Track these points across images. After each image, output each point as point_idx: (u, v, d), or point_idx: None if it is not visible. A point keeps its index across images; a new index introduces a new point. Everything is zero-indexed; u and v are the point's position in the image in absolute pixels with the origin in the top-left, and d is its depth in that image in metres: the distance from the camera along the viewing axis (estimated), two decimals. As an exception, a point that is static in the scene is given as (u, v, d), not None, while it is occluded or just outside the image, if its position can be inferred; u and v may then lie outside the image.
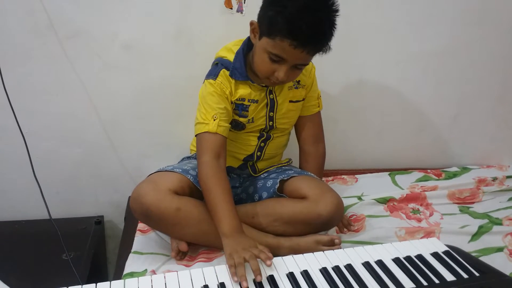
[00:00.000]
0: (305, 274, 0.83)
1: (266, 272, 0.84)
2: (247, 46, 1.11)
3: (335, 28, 0.99)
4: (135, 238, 1.15)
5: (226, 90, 1.10)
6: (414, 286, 0.81)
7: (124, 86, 1.35)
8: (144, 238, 1.15)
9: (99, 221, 1.44)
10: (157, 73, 1.35)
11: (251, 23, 1.05)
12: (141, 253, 1.09)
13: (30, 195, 1.30)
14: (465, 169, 1.58)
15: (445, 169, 1.58)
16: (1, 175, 1.42)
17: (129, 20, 1.27)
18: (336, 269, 0.85)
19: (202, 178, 1.04)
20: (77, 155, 1.42)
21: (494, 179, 1.49)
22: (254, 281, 0.81)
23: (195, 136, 1.11)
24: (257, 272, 0.82)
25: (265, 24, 0.99)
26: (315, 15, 0.94)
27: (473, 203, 1.38)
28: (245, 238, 0.94)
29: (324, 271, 0.84)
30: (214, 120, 1.06)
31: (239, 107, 1.14)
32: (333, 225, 1.13)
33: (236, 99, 1.13)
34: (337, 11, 0.98)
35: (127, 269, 1.03)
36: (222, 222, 0.96)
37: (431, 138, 1.62)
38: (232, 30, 1.26)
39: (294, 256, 0.89)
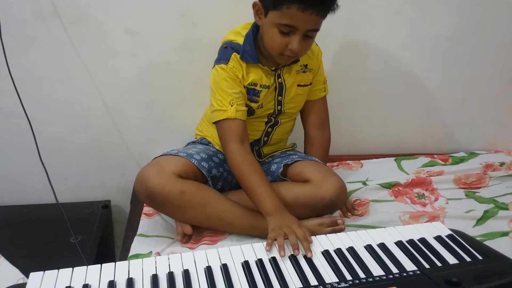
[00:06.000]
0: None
1: (268, 254, 0.85)
2: (256, 29, 1.10)
3: None
4: (141, 221, 1.17)
5: (239, 74, 1.10)
6: (416, 268, 0.81)
7: (129, 71, 1.35)
8: (149, 221, 1.17)
9: (106, 205, 1.46)
10: (162, 58, 1.34)
11: (254, 5, 1.04)
12: (147, 236, 1.11)
13: (38, 179, 1.31)
14: (472, 154, 1.57)
15: (452, 155, 1.56)
16: (9, 160, 1.44)
17: (132, 4, 1.27)
18: (338, 251, 0.85)
19: (233, 166, 1.06)
20: (84, 140, 1.44)
21: (502, 164, 1.48)
22: (256, 263, 0.82)
23: (213, 123, 1.11)
24: (295, 246, 0.85)
25: None
26: None
27: (479, 188, 1.37)
28: (289, 215, 0.97)
29: (326, 254, 0.85)
30: (232, 105, 1.07)
31: (250, 92, 1.13)
32: (336, 208, 1.14)
33: (248, 84, 1.12)
34: None
35: (133, 251, 1.05)
36: (264, 202, 0.99)
37: (438, 123, 1.61)
38: (236, 14, 1.25)
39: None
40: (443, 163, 1.50)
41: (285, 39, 1.01)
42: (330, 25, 1.29)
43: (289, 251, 0.85)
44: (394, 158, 1.53)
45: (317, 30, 1.03)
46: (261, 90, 1.13)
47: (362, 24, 1.39)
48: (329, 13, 1.00)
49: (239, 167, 1.05)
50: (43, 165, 1.23)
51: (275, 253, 0.85)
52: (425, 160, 1.52)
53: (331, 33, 1.36)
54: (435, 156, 1.55)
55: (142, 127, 1.45)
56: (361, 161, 1.52)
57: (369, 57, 1.45)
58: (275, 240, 0.87)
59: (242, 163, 1.05)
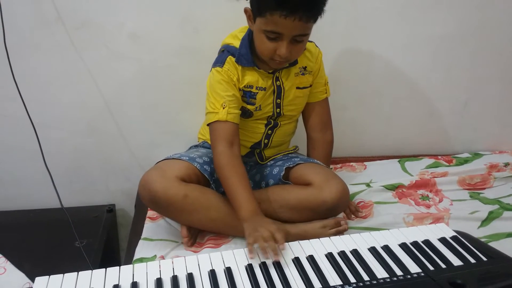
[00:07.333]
0: (311, 259, 0.84)
1: (272, 257, 0.85)
2: (252, 32, 1.10)
3: None
4: (145, 225, 1.17)
5: (234, 77, 1.10)
6: (420, 270, 0.81)
7: (132, 75, 1.36)
8: (153, 225, 1.17)
9: (110, 209, 1.47)
10: (164, 62, 1.35)
11: (245, 11, 1.05)
12: (151, 240, 1.11)
13: (44, 184, 1.32)
14: (476, 155, 1.56)
15: (456, 155, 1.56)
16: (15, 165, 1.45)
17: (135, 9, 1.28)
18: (342, 254, 0.86)
19: (218, 168, 1.06)
20: (88, 144, 1.44)
21: (506, 164, 1.47)
22: (260, 266, 0.82)
23: (207, 125, 1.11)
24: (275, 252, 0.84)
25: (255, 5, 1.00)
26: None
27: (484, 189, 1.36)
28: (263, 218, 0.97)
29: (329, 256, 0.85)
30: (224, 108, 1.07)
31: (247, 95, 1.14)
32: (338, 211, 1.13)
33: (244, 86, 1.12)
34: None
35: (137, 255, 1.05)
36: (241, 208, 0.99)
37: (441, 124, 1.60)
38: (237, 17, 1.24)
39: (300, 242, 0.90)
40: (447, 164, 1.50)
41: (273, 45, 1.01)
42: (332, 26, 1.31)
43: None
44: (397, 159, 1.53)
45: (305, 35, 1.01)
46: (257, 92, 1.13)
47: (364, 25, 1.39)
48: (315, 18, 0.99)
49: (223, 170, 1.05)
50: (47, 170, 1.24)
51: (274, 256, 0.85)
52: (429, 161, 1.51)
53: (333, 34, 1.36)
54: (439, 157, 1.54)
55: (146, 131, 1.46)
56: (364, 163, 1.51)
57: (371, 59, 1.45)
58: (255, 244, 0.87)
59: (226, 166, 1.04)
